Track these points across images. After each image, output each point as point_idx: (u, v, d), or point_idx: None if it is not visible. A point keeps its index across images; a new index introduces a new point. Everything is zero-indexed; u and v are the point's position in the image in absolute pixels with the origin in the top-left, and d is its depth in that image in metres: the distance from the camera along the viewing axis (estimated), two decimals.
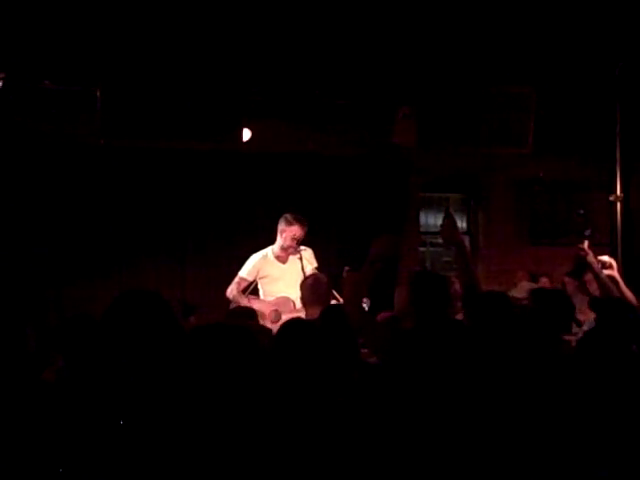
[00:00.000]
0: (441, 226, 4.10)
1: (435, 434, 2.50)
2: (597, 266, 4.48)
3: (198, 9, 7.01)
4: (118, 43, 7.16)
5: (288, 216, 6.31)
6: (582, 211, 8.62)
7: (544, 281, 8.03)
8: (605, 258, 4.53)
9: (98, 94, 7.30)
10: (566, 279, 6.83)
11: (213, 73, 7.58)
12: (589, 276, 5.26)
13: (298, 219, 6.26)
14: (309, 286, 5.04)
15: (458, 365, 2.59)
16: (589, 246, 4.54)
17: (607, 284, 4.40)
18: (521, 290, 7.20)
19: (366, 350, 4.69)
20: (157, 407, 2.24)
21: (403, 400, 2.72)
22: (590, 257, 4.48)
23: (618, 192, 8.63)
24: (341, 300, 6.21)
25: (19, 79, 7.22)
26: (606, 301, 4.19)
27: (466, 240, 9.80)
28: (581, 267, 4.74)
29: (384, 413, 2.67)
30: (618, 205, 8.64)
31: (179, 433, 2.16)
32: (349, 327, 3.80)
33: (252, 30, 7.28)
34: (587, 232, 8.59)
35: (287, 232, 6.22)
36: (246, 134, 7.88)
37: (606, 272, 4.47)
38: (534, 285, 7.30)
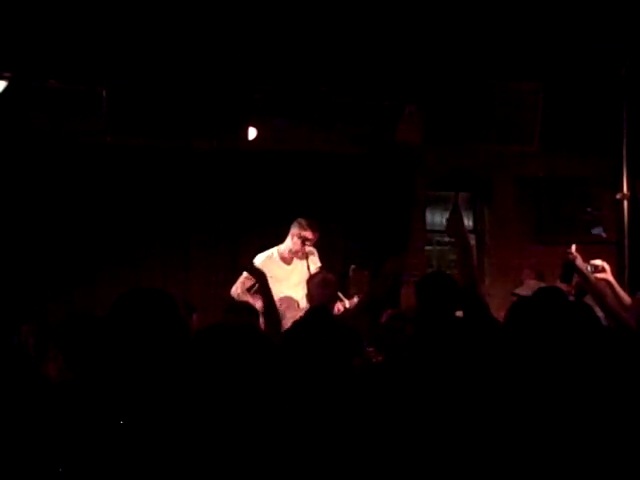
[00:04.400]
0: (447, 220, 4.08)
1: (439, 433, 2.49)
2: (586, 269, 4.37)
3: (203, 7, 7.00)
4: (123, 42, 7.16)
5: (302, 221, 6.32)
6: (590, 209, 8.59)
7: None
8: (598, 262, 4.45)
9: (103, 93, 7.29)
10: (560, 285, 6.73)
11: (218, 71, 7.56)
12: (579, 279, 5.12)
13: (311, 225, 6.28)
14: (316, 284, 5.01)
15: (462, 364, 2.57)
16: (577, 249, 4.44)
17: (597, 286, 4.31)
18: (527, 288, 7.17)
19: (372, 349, 4.69)
20: (161, 407, 2.22)
21: (409, 399, 2.70)
22: (579, 261, 4.37)
23: (625, 190, 8.63)
24: (345, 300, 6.23)
25: (24, 78, 7.22)
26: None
27: (472, 238, 9.79)
28: (569, 271, 4.65)
29: (389, 411, 2.65)
30: (625, 203, 8.64)
31: (183, 433, 2.14)
32: (336, 326, 3.79)
33: (257, 28, 7.27)
34: (596, 230, 8.51)
35: (299, 236, 6.27)
36: (252, 133, 7.87)
37: (600, 275, 4.39)
38: (541, 283, 7.26)
